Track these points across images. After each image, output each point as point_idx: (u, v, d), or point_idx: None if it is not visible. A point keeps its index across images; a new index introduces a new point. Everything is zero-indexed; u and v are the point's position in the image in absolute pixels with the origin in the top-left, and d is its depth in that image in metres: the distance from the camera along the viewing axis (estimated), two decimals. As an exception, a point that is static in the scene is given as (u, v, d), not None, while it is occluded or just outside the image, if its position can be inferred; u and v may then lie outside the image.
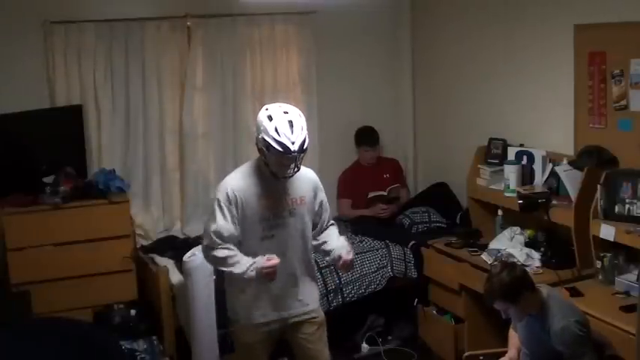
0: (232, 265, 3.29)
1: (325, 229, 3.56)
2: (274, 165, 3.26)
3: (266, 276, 3.23)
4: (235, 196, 3.30)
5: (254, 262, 3.25)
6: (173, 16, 5.05)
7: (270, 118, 3.20)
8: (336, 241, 3.51)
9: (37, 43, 4.77)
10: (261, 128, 3.21)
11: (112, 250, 4.55)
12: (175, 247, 4.87)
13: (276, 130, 3.17)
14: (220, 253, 3.31)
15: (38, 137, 4.63)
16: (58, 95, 4.84)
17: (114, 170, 4.85)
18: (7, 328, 3.44)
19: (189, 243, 4.77)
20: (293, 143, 3.17)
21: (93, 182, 4.69)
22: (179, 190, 5.30)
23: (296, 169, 3.29)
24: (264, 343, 3.47)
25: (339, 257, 3.41)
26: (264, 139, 3.19)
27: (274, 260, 3.23)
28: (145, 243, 5.05)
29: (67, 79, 4.86)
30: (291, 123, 3.19)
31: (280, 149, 3.17)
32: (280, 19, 5.37)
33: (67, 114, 4.81)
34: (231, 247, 3.31)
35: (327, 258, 3.59)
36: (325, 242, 3.52)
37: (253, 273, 3.24)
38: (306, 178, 3.44)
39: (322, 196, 3.52)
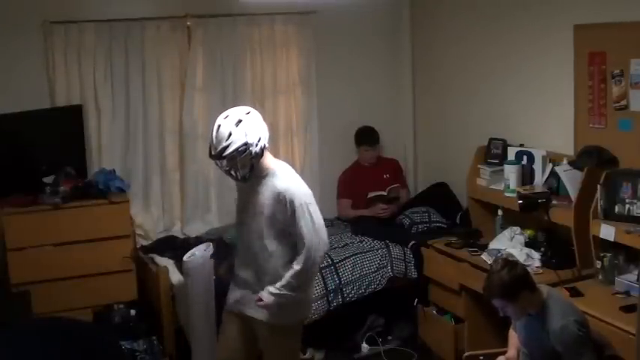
0: None
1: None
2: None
3: None
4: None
5: None
6: (173, 16, 5.05)
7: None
8: (277, 282, 3.30)
9: (37, 43, 4.77)
10: None
11: (112, 250, 4.55)
12: (175, 247, 4.87)
13: (211, 131, 3.27)
14: None
15: (38, 137, 4.63)
16: (58, 95, 4.84)
17: (114, 170, 4.85)
18: (7, 328, 3.44)
19: (189, 243, 4.77)
20: (214, 148, 3.24)
21: (93, 182, 4.68)
22: (179, 190, 5.30)
23: (235, 173, 3.29)
24: (226, 329, 3.55)
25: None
26: None
27: None
28: (145, 243, 5.05)
29: (67, 79, 4.86)
30: (218, 128, 3.24)
31: (208, 152, 3.30)
32: (280, 19, 5.36)
33: (67, 114, 4.81)
34: None
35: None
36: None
37: None
38: (270, 190, 3.31)
39: (293, 209, 3.25)
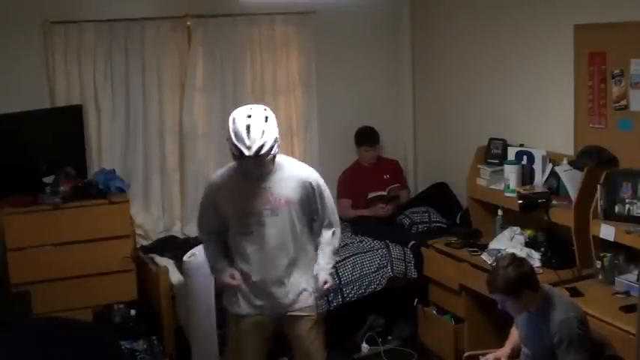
0: (210, 265, 3.62)
1: (324, 229, 3.53)
2: (240, 166, 3.34)
3: (224, 287, 3.55)
4: (212, 192, 3.51)
5: (220, 272, 3.51)
6: (173, 16, 5.06)
7: (233, 121, 3.26)
8: (322, 259, 3.52)
9: (37, 43, 4.77)
10: (228, 131, 3.28)
11: (112, 250, 4.55)
12: (175, 247, 4.87)
13: (235, 133, 3.22)
14: (205, 247, 3.64)
15: (38, 137, 4.63)
16: (58, 95, 4.84)
17: (114, 170, 4.85)
18: (7, 328, 3.44)
19: (189, 243, 4.77)
20: (249, 148, 3.21)
21: (93, 182, 4.68)
22: (179, 190, 5.30)
23: (263, 171, 3.32)
24: (251, 334, 3.51)
25: (317, 280, 3.49)
26: (228, 142, 3.27)
27: (233, 282, 3.45)
28: (145, 243, 5.05)
29: (67, 79, 4.86)
30: (248, 127, 3.22)
31: (236, 153, 3.24)
32: (280, 19, 5.37)
33: (67, 114, 4.81)
34: (212, 240, 3.56)
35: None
36: (317, 254, 3.55)
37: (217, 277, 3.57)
38: (294, 179, 3.41)
39: (320, 193, 3.47)
